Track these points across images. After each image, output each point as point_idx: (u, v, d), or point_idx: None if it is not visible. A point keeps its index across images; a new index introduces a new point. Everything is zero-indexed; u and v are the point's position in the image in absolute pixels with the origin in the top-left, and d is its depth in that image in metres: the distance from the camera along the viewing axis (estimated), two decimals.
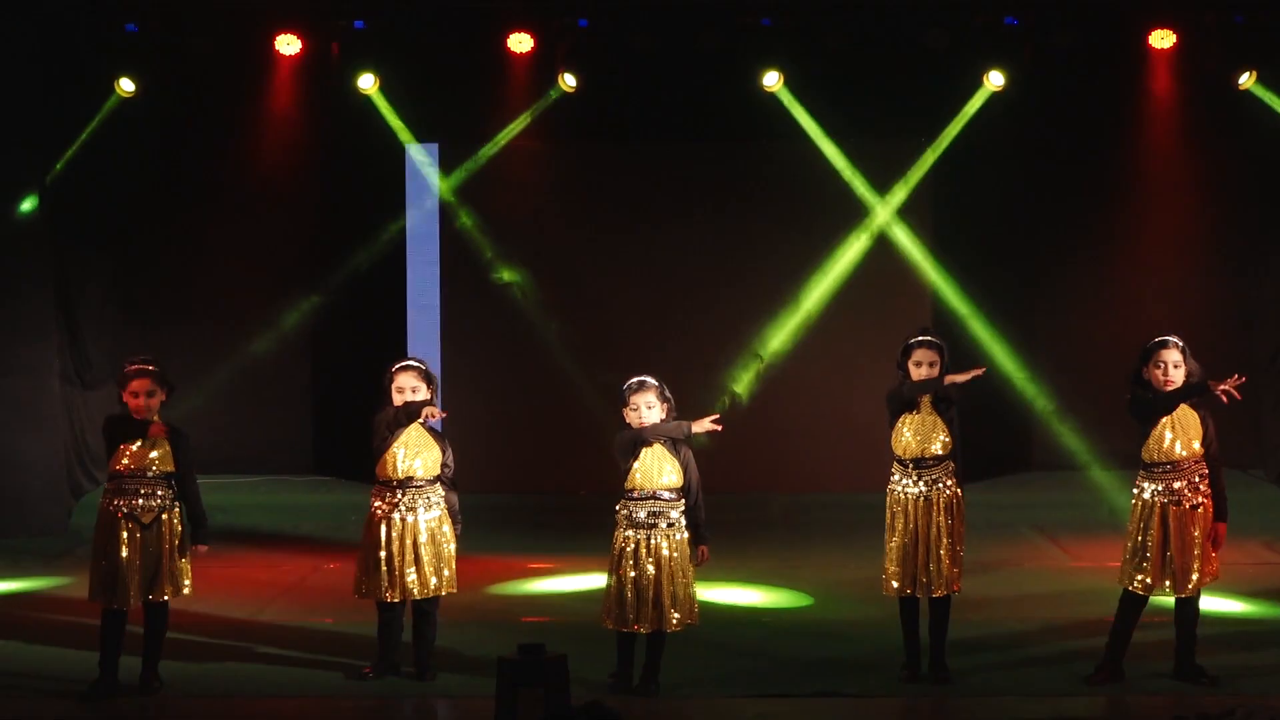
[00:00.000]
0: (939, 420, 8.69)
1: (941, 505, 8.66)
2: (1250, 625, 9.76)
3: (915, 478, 8.68)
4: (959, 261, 14.09)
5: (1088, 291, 14.47)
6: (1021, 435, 14.66)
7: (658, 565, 8.41)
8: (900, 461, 8.75)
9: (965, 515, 8.74)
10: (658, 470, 8.47)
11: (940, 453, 8.67)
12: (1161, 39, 13.44)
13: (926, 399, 8.69)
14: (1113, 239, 14.38)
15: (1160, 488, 8.49)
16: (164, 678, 8.61)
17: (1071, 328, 14.42)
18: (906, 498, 8.70)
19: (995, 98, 13.71)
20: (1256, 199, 14.18)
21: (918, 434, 8.68)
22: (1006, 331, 14.22)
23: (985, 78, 13.58)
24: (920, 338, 8.81)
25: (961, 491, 8.73)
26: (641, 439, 8.47)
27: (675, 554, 8.45)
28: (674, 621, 8.45)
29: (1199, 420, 8.50)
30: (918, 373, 8.71)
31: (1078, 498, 13.51)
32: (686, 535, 8.52)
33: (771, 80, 13.56)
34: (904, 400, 8.78)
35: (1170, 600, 8.57)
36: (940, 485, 8.67)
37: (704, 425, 8.53)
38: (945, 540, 8.65)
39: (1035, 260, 14.51)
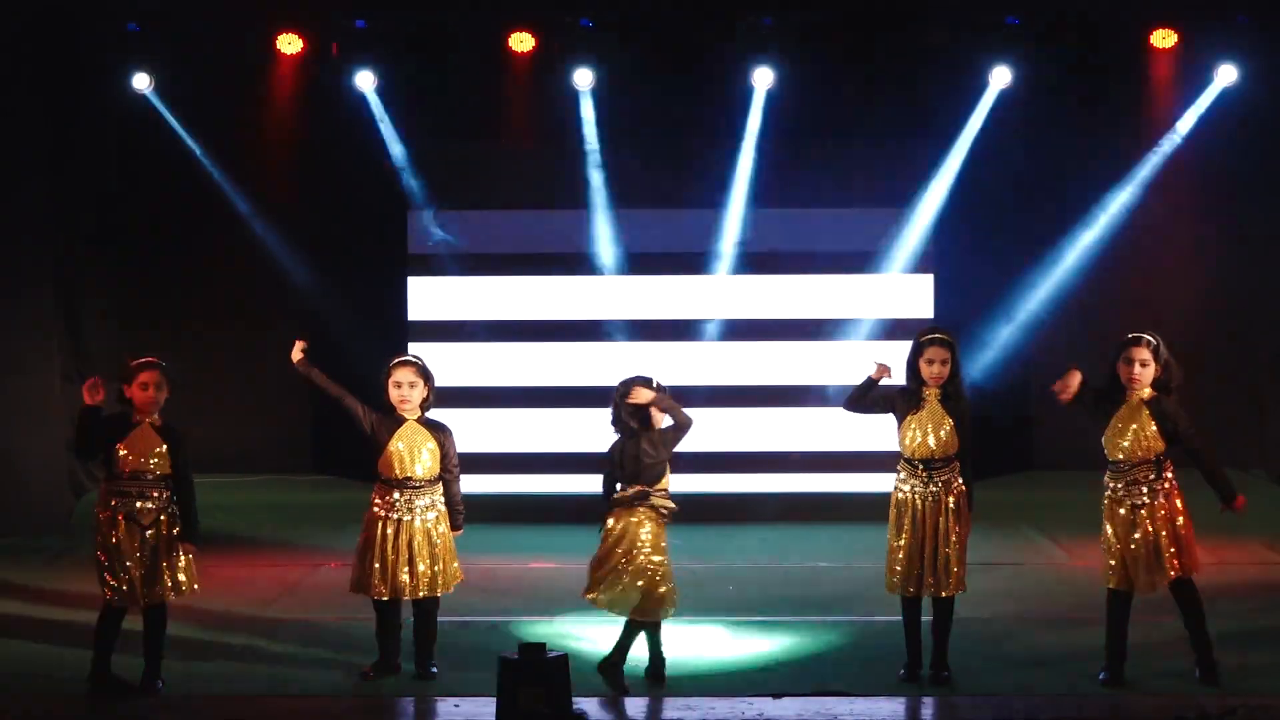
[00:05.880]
0: (946, 418, 8.62)
1: (949, 505, 8.61)
2: (1250, 625, 9.75)
3: (924, 478, 8.63)
4: (961, 259, 14.08)
5: (1089, 290, 14.46)
6: (1021, 435, 14.65)
7: (627, 552, 8.49)
8: (909, 461, 8.69)
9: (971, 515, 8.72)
10: (639, 457, 8.53)
11: (948, 452, 8.62)
12: (1163, 38, 13.44)
13: (934, 396, 8.65)
14: (1114, 239, 14.36)
15: (1115, 485, 8.51)
16: (166, 677, 8.62)
17: (1072, 326, 14.40)
18: (913, 497, 8.65)
19: (997, 97, 13.71)
20: (1257, 198, 14.17)
21: (925, 433, 8.62)
22: (1008, 328, 14.22)
23: (987, 76, 13.58)
24: (932, 335, 8.73)
25: (969, 491, 8.70)
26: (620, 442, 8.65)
27: (643, 539, 8.49)
28: (638, 605, 8.48)
29: (1148, 416, 8.40)
30: (929, 370, 8.67)
31: (1078, 497, 13.47)
32: (655, 523, 8.54)
33: (764, 79, 13.54)
34: (850, 404, 8.83)
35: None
36: (948, 484, 8.63)
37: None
38: (952, 540, 8.62)
39: (1036, 259, 14.49)
